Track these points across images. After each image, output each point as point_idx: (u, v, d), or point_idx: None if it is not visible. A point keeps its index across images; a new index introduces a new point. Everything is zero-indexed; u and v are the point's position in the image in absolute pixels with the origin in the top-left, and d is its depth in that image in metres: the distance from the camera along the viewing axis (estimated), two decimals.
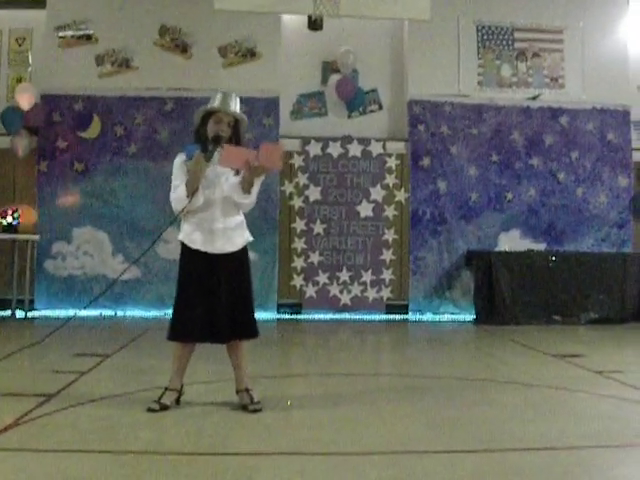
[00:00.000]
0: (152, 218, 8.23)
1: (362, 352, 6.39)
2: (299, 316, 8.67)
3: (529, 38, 9.29)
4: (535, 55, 9.31)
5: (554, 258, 8.35)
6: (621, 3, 9.40)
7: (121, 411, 3.52)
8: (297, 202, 8.85)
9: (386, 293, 8.82)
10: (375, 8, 7.31)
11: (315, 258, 8.79)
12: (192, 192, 3.51)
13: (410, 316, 8.74)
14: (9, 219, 8.07)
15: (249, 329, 3.67)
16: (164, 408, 3.53)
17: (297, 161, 8.88)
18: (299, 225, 8.82)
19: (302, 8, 7.38)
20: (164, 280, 8.22)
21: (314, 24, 8.44)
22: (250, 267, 3.75)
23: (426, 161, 8.92)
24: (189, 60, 8.88)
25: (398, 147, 9.03)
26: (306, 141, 8.94)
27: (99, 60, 8.81)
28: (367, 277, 8.80)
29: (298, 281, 8.77)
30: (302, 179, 8.87)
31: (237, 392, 3.68)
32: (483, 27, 9.24)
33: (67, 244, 8.53)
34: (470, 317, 8.55)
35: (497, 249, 8.80)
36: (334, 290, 8.76)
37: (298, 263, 8.78)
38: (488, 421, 3.46)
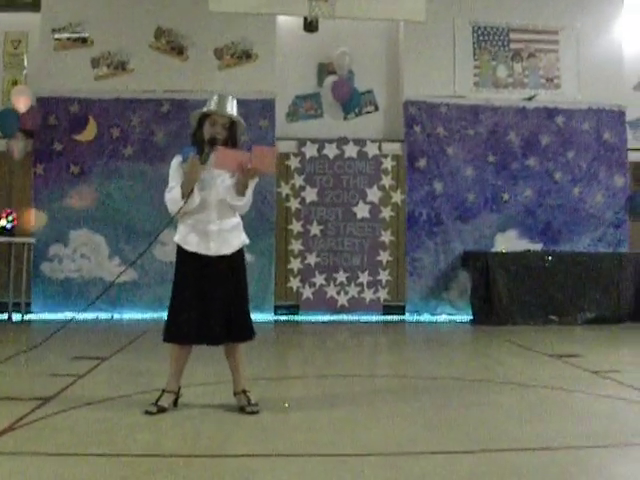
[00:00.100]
0: (148, 220, 8.24)
1: (359, 353, 6.39)
2: (296, 318, 8.67)
3: (525, 39, 9.31)
4: (531, 56, 9.33)
5: (550, 258, 8.37)
6: (616, 3, 9.44)
7: (118, 414, 3.52)
8: (293, 203, 8.85)
9: (383, 294, 8.83)
10: (370, 9, 7.34)
11: (312, 259, 8.79)
12: (187, 194, 3.52)
13: (407, 317, 8.75)
14: (3, 222, 8.06)
15: (244, 331, 3.67)
16: (162, 410, 3.53)
17: (293, 163, 8.88)
18: (296, 227, 8.83)
19: (298, 10, 7.40)
20: (161, 282, 8.22)
21: (310, 26, 8.44)
22: (246, 269, 3.75)
23: (422, 162, 8.93)
24: (185, 62, 8.89)
25: (394, 148, 9.04)
26: (302, 143, 8.94)
27: (95, 63, 8.81)
28: (364, 278, 8.80)
29: (295, 283, 8.77)
30: (298, 181, 8.88)
31: (235, 394, 3.68)
32: (479, 28, 9.25)
33: (64, 247, 8.53)
34: (467, 318, 8.57)
35: (493, 250, 8.82)
36: (331, 291, 8.77)
37: (295, 265, 8.78)
38: (485, 421, 3.46)
